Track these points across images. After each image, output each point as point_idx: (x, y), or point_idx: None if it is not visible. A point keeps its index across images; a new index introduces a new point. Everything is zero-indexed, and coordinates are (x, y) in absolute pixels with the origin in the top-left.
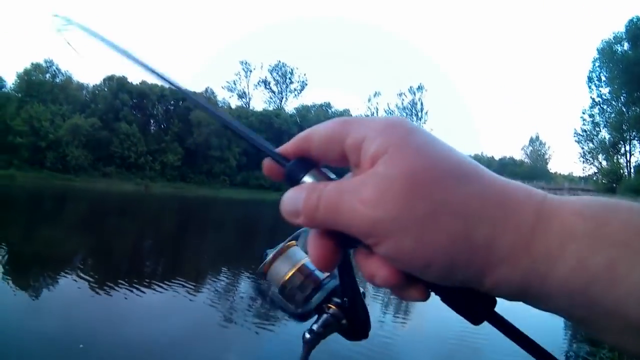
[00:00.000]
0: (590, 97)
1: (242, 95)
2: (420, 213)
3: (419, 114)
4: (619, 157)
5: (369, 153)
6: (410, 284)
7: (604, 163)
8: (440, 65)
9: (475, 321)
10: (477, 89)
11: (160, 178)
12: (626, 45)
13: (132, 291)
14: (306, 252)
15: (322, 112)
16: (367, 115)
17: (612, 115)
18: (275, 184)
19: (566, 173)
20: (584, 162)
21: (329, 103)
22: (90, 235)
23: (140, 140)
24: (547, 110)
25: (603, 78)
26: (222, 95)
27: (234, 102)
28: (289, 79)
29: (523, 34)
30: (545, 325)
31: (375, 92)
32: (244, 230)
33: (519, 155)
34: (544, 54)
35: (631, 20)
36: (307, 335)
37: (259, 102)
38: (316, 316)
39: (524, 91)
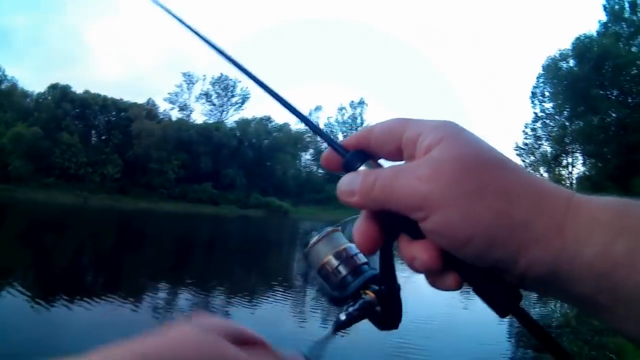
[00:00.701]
0: (533, 111)
1: (183, 107)
2: (468, 189)
3: (359, 128)
4: (561, 169)
5: (424, 144)
6: (446, 271)
7: (546, 175)
8: (381, 80)
9: (502, 313)
10: (418, 102)
11: (99, 190)
12: (572, 62)
13: (64, 306)
14: (350, 241)
15: (262, 126)
16: (305, 130)
17: (555, 129)
18: (213, 198)
19: None
20: None
21: (269, 117)
22: (24, 250)
23: (81, 151)
24: (487, 123)
25: (547, 93)
26: (163, 107)
27: (175, 114)
28: (231, 92)
29: (464, 52)
30: (493, 335)
31: (316, 107)
32: (181, 245)
33: None
34: (482, 70)
35: (578, 38)
36: (343, 317)
37: (201, 114)
38: (351, 302)
39: (462, 106)
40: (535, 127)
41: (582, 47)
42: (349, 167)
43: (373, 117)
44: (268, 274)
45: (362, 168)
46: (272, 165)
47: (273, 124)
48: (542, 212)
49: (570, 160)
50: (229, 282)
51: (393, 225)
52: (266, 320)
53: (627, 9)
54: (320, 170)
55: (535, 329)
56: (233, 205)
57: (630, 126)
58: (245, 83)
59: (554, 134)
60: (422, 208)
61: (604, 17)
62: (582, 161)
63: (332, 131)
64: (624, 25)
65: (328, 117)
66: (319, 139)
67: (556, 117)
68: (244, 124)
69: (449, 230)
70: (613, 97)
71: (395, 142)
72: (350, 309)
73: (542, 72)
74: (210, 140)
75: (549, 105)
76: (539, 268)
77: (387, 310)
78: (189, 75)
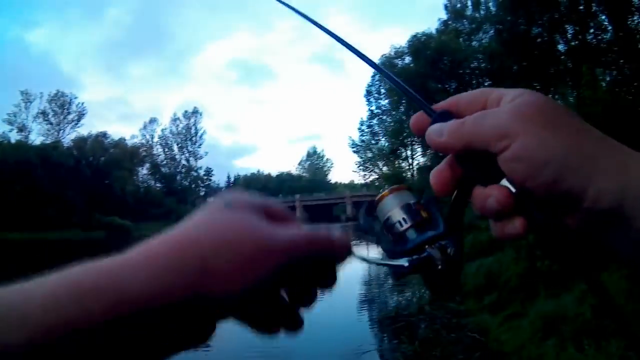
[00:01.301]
0: (369, 109)
1: (22, 128)
2: (546, 123)
3: (194, 138)
4: (401, 161)
5: (507, 99)
6: (514, 215)
7: (385, 168)
8: (214, 88)
9: (567, 265)
10: (251, 106)
11: None
12: (407, 59)
13: None
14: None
15: (98, 143)
16: (142, 142)
17: (392, 124)
18: (56, 223)
19: (347, 182)
20: (363, 170)
21: (105, 133)
22: None
23: None
24: (324, 123)
25: (382, 91)
26: (1, 129)
27: (14, 136)
28: (67, 109)
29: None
30: (352, 328)
31: (151, 119)
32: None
33: (297, 170)
34: (318, 72)
35: (414, 36)
36: (405, 263)
37: (39, 134)
38: (415, 255)
39: (299, 104)
40: (371, 123)
41: (418, 44)
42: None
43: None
44: None
45: None
46: (111, 182)
47: (109, 139)
48: (609, 149)
49: (409, 152)
50: None
51: (470, 175)
52: None
53: (470, 6)
54: (158, 184)
55: (604, 294)
56: (77, 229)
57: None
58: (82, 98)
59: (390, 128)
60: (506, 135)
61: (444, 16)
62: (421, 153)
63: (167, 143)
64: (465, 22)
65: (162, 129)
66: (154, 151)
67: (393, 112)
68: (80, 141)
69: (528, 154)
70: (452, 90)
71: (482, 104)
72: (414, 257)
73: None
74: (48, 161)
75: (385, 102)
76: (606, 199)
77: (449, 271)
78: (26, 94)
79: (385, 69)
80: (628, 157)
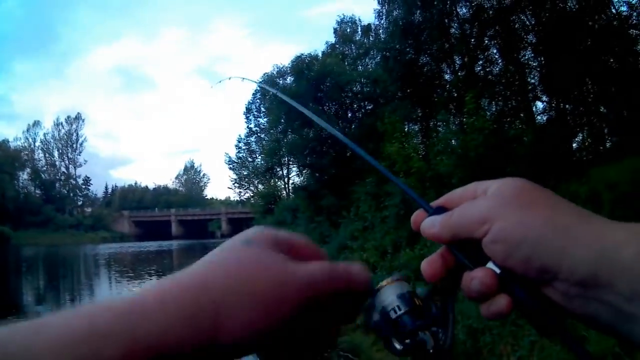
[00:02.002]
0: (248, 126)
1: None
2: (523, 203)
3: (74, 145)
4: (277, 180)
5: (492, 188)
6: (499, 294)
7: (260, 186)
8: (95, 94)
9: (548, 334)
10: (131, 116)
11: None
12: (290, 79)
13: None
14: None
15: None
16: (25, 145)
17: (269, 142)
18: None
19: (223, 198)
20: (238, 187)
21: None
22: None
23: None
24: (206, 140)
25: (262, 109)
26: None
27: None
28: None
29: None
30: None
31: (35, 122)
32: None
33: (173, 184)
34: (199, 86)
35: (299, 57)
36: (398, 346)
37: None
38: (408, 339)
39: (179, 117)
40: (249, 141)
41: (301, 65)
42: None
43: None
44: None
45: None
46: None
47: None
48: (582, 219)
49: (285, 171)
50: None
51: (457, 267)
52: None
53: (359, 32)
54: (37, 191)
55: (579, 348)
56: None
57: (348, 136)
58: None
59: (268, 147)
60: (486, 220)
61: (333, 40)
62: (296, 172)
63: (48, 148)
64: (353, 47)
65: (45, 134)
66: (36, 156)
67: (271, 131)
68: None
69: (504, 235)
70: (332, 112)
71: (472, 196)
72: (407, 341)
73: (258, 88)
74: None
75: (263, 120)
76: (580, 269)
77: (439, 356)
78: None
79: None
80: (603, 226)
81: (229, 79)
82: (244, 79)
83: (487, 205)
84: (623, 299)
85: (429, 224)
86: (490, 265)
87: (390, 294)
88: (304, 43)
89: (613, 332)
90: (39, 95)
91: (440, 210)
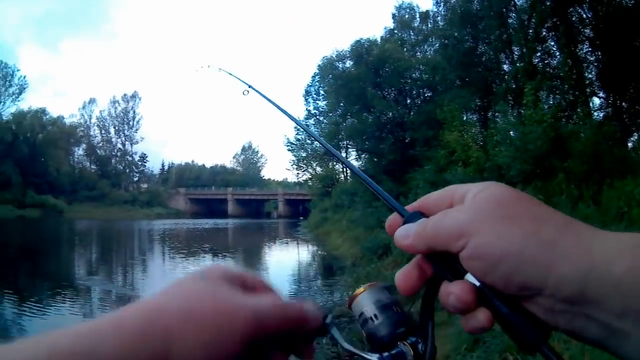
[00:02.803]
0: (307, 109)
1: None
2: (503, 216)
3: (131, 122)
4: (335, 163)
5: (470, 194)
6: (478, 308)
7: (319, 169)
8: (158, 74)
9: (532, 348)
10: (190, 97)
11: None
12: (349, 63)
13: None
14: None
15: (37, 119)
16: (80, 122)
17: (328, 125)
18: None
19: (280, 179)
20: (297, 168)
21: (45, 109)
22: None
23: None
24: (259, 119)
25: (322, 92)
26: None
27: None
28: (9, 81)
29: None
30: None
31: (90, 99)
32: None
33: (231, 163)
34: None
35: (358, 41)
36: (375, 359)
37: None
38: (386, 353)
39: (237, 98)
40: (308, 123)
41: (361, 49)
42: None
43: (145, 111)
44: (50, 278)
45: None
46: (47, 161)
47: (48, 116)
48: (569, 232)
49: (344, 154)
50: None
51: (436, 275)
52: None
53: (418, 18)
54: (93, 166)
55: None
56: (10, 205)
57: (406, 124)
58: (24, 71)
59: (326, 130)
60: (462, 235)
61: (391, 25)
62: (355, 156)
63: (104, 125)
64: (412, 34)
65: (101, 111)
66: (92, 132)
67: (330, 114)
68: (19, 116)
69: (485, 250)
70: (391, 98)
71: (449, 202)
72: (385, 354)
73: (317, 71)
74: None
75: (322, 103)
76: (567, 287)
77: None
78: None
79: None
80: (592, 239)
81: (208, 66)
82: (220, 69)
83: (464, 217)
84: (613, 316)
85: (403, 235)
86: (469, 277)
87: (367, 302)
88: (359, 28)
89: (600, 346)
90: (90, 74)
91: (416, 216)
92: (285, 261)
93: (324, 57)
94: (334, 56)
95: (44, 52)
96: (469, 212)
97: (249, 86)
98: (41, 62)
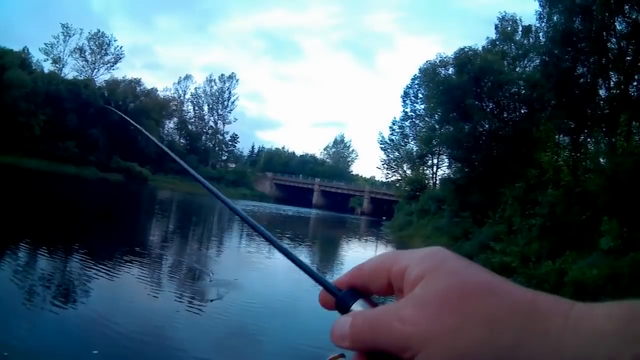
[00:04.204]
0: (404, 110)
1: (56, 60)
2: (451, 324)
3: (226, 102)
4: (425, 168)
5: (410, 279)
6: None
7: (409, 172)
8: (239, 54)
9: None
10: (276, 81)
11: None
12: (451, 70)
13: None
14: None
15: (130, 89)
16: (174, 96)
17: (424, 130)
18: (75, 158)
19: (368, 176)
20: (387, 168)
21: (139, 80)
22: None
23: None
24: (355, 116)
25: (420, 95)
26: (37, 56)
27: (48, 66)
28: (105, 50)
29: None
30: None
31: (186, 75)
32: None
33: (321, 154)
34: (345, 60)
35: (462, 49)
36: None
37: (73, 69)
38: None
39: (325, 88)
40: (403, 125)
41: (465, 58)
42: (342, 307)
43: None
44: (128, 240)
45: (355, 307)
46: (136, 129)
47: (142, 87)
48: (533, 334)
49: (435, 161)
50: (88, 247)
51: None
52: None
53: (520, 32)
54: (182, 140)
55: None
56: (93, 167)
57: (501, 138)
58: (124, 42)
59: (421, 134)
60: (407, 349)
61: (493, 35)
62: (447, 164)
63: (198, 102)
64: (513, 47)
65: (196, 88)
66: (185, 108)
67: (426, 118)
68: (113, 84)
69: None
70: (489, 110)
71: (385, 277)
72: None
73: (418, 74)
74: (78, 97)
75: (420, 106)
76: None
77: None
78: (66, 27)
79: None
80: (561, 334)
81: None
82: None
83: (406, 329)
84: None
85: (339, 335)
86: None
87: None
88: (462, 36)
89: None
90: (182, 49)
91: (349, 297)
92: (362, 258)
93: (427, 61)
94: (437, 61)
95: (136, 25)
96: (411, 322)
97: None
98: (133, 34)
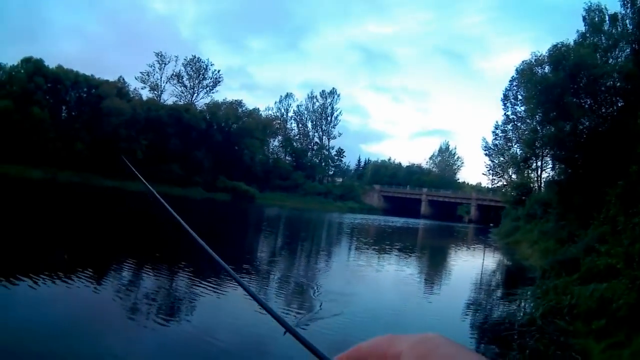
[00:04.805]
0: (505, 113)
1: (154, 87)
2: None
3: (329, 117)
4: (530, 171)
5: None
6: None
7: (514, 176)
8: (359, 71)
9: None
10: (373, 92)
11: (67, 166)
12: (547, 68)
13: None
14: None
15: (232, 110)
16: (277, 115)
17: (526, 132)
18: (180, 180)
19: (474, 183)
20: (492, 174)
21: (241, 101)
22: None
23: (50, 126)
24: (456, 123)
25: (519, 97)
26: (134, 85)
27: (146, 94)
28: (203, 74)
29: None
30: (456, 326)
31: (287, 94)
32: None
33: (427, 164)
34: (440, 66)
35: (555, 46)
36: None
37: (171, 95)
38: None
39: (436, 100)
40: (505, 128)
41: (559, 55)
42: None
43: (343, 106)
44: (235, 256)
45: None
46: (240, 149)
47: (243, 108)
48: None
49: (539, 163)
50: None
51: None
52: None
53: (607, 21)
54: (288, 158)
55: None
56: (199, 188)
57: (601, 135)
58: (220, 66)
59: (524, 137)
60: None
61: (582, 28)
62: (551, 165)
63: (301, 119)
64: (602, 38)
65: (298, 105)
66: (288, 126)
67: (527, 120)
68: (214, 107)
69: None
70: (587, 106)
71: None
72: None
73: (515, 75)
74: (179, 122)
75: (520, 108)
76: None
77: None
78: (161, 55)
79: None
80: None
81: None
82: None
83: None
84: None
85: None
86: None
87: None
88: (544, 32)
89: None
90: (277, 68)
91: None
92: (470, 266)
93: (522, 61)
94: (532, 60)
95: (227, 48)
96: None
97: None
98: (225, 57)
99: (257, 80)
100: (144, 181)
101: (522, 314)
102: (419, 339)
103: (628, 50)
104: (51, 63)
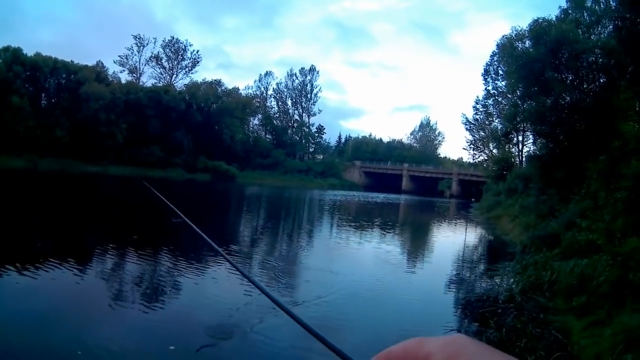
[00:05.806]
0: (485, 88)
1: (133, 70)
2: None
3: (309, 95)
4: (511, 146)
5: None
6: None
7: (495, 151)
8: (336, 47)
9: None
10: (350, 69)
11: (48, 154)
12: (527, 43)
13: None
14: None
15: (212, 90)
16: (256, 94)
17: (507, 107)
18: (161, 161)
19: (455, 158)
20: (473, 149)
21: (220, 80)
22: None
23: (30, 114)
24: (436, 98)
25: (500, 72)
26: (113, 69)
27: (125, 77)
28: (182, 55)
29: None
30: (438, 304)
31: (267, 72)
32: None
33: (408, 139)
34: (416, 41)
35: (536, 20)
36: None
37: (150, 78)
38: None
39: (415, 76)
40: (486, 103)
41: (540, 29)
42: None
43: (322, 83)
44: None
45: None
46: (220, 129)
47: (223, 88)
48: None
49: (520, 138)
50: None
51: None
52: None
53: None
54: (268, 136)
55: None
56: (180, 169)
57: (583, 111)
58: (196, 46)
59: (505, 111)
60: None
61: (564, 4)
62: (532, 140)
63: (281, 97)
64: (585, 14)
65: (277, 83)
66: (268, 104)
67: (508, 95)
68: (193, 87)
69: None
70: (568, 82)
71: None
72: None
73: (496, 49)
74: (159, 104)
75: (501, 83)
76: None
77: None
78: (139, 38)
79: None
80: None
81: None
82: None
83: None
84: None
85: None
86: None
87: None
88: (525, 7)
89: None
90: (253, 46)
91: None
92: (451, 242)
93: (503, 36)
94: (512, 35)
95: (202, 28)
96: None
97: None
98: (200, 37)
99: (234, 59)
100: (163, 198)
101: (502, 290)
102: (447, 341)
103: (611, 26)
104: (29, 51)
